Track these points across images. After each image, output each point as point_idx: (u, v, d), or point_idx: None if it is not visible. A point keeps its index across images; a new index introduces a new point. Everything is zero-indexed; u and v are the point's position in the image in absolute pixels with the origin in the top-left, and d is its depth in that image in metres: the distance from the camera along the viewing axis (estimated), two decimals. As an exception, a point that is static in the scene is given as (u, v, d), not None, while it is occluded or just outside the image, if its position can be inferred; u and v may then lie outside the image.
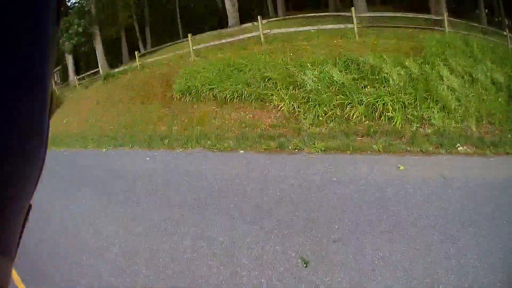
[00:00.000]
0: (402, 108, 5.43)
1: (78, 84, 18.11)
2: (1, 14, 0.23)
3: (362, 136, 5.24)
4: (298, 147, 5.11)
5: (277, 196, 3.73)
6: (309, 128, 5.69)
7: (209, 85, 7.53)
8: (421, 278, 2.29)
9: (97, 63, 18.54)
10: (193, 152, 5.83)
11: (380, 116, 5.48)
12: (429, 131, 5.12)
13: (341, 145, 4.94)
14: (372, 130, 5.28)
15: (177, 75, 8.98)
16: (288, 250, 2.76)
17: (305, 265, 2.54)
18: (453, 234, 2.69)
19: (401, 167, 4.08)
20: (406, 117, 5.35)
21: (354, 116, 5.60)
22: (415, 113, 5.33)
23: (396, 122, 5.29)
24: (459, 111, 5.41)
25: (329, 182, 3.89)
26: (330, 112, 5.78)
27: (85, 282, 2.86)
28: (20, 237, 0.31)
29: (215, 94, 7.35)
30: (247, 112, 6.71)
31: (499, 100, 5.95)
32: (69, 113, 14.26)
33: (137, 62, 12.92)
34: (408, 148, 4.68)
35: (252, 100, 6.77)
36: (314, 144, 5.04)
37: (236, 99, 6.99)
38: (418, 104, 5.43)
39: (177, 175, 4.87)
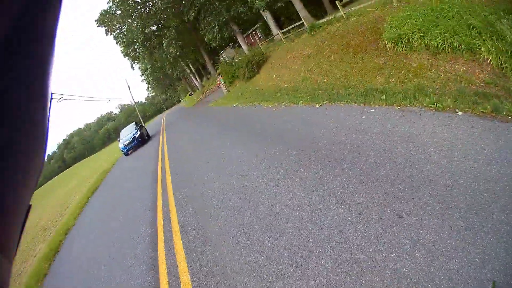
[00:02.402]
0: None
1: (284, 38, 18.66)
2: (1, 14, 0.24)
3: None
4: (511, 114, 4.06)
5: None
6: None
7: (419, 32, 6.86)
8: None
9: (298, 16, 18.96)
10: (411, 111, 5.33)
11: None
12: None
13: None
14: None
15: (385, 23, 8.45)
16: None
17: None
18: None
19: None
20: None
21: None
22: None
23: None
24: None
25: None
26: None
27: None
28: (20, 237, 0.32)
29: (427, 43, 6.61)
30: (460, 64, 5.73)
31: None
32: (278, 67, 15.15)
33: (341, 12, 12.72)
34: None
35: (462, 51, 5.77)
36: None
37: (448, 48, 6.09)
38: None
39: (404, 146, 4.24)
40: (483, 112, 4.44)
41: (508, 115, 4.14)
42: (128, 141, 21.72)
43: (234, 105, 15.75)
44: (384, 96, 6.36)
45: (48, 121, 0.32)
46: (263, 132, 7.76)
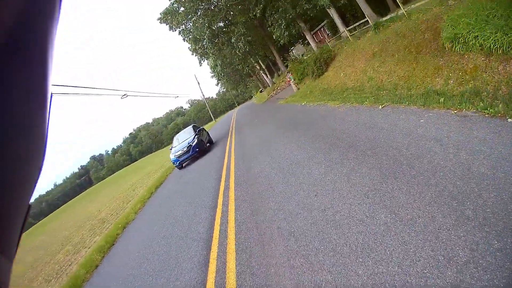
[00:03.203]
0: None
1: (350, 35, 18.74)
2: (1, 14, 0.25)
3: None
4: None
5: None
6: None
7: (473, 32, 6.96)
8: None
9: (362, 12, 18.98)
10: (466, 115, 5.49)
11: None
12: None
13: None
14: None
15: (443, 21, 8.56)
16: None
17: None
18: None
19: None
20: None
21: None
22: None
23: None
24: None
25: None
26: None
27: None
28: (20, 237, 0.32)
29: (481, 43, 6.71)
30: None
31: None
32: (345, 65, 15.31)
33: (402, 9, 12.78)
34: None
35: (514, 51, 5.78)
36: None
37: (499, 49, 6.18)
38: None
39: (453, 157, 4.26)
40: None
41: None
42: (181, 151, 16.76)
43: (303, 104, 16.30)
44: (442, 99, 6.68)
45: (48, 121, 0.33)
46: (331, 133, 8.19)
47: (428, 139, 5.26)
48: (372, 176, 4.84)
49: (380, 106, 8.37)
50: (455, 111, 5.96)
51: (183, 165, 17.04)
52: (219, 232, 5.90)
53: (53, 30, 0.31)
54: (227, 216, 6.43)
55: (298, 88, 23.65)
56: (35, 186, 0.32)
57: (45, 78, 0.31)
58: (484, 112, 5.35)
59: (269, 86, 49.14)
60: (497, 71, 6.17)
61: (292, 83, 25.22)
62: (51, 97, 0.33)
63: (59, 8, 0.32)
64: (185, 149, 16.71)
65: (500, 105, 5.24)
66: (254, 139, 13.76)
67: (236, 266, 4.41)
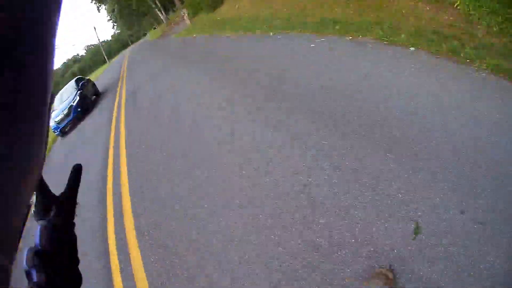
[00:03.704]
0: None
1: None
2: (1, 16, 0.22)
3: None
4: (470, 58, 3.92)
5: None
6: (483, 36, 4.32)
7: None
8: None
9: None
10: (362, 42, 5.08)
11: None
12: None
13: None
14: None
15: None
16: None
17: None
18: None
19: None
20: None
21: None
22: None
23: None
24: None
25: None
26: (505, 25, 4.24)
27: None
28: (20, 237, 0.31)
29: None
30: (425, 3, 5.37)
31: None
32: None
33: None
34: None
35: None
36: (485, 60, 3.78)
37: None
38: None
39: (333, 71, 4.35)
40: (437, 51, 4.25)
41: (467, 58, 3.97)
42: (62, 115, 13.06)
43: (194, 35, 15.68)
44: (338, 26, 5.95)
45: (48, 121, 0.31)
46: (216, 59, 7.81)
47: (315, 62, 4.87)
48: (255, 95, 4.71)
49: (271, 33, 7.71)
50: (350, 38, 5.37)
51: (66, 130, 12.99)
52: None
53: (54, 27, 0.28)
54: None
55: (192, 22, 21.99)
56: (35, 186, 0.32)
57: (45, 77, 0.28)
58: (383, 40, 4.91)
59: (163, 22, 47.14)
60: (406, 5, 5.63)
61: (186, 18, 23.22)
62: (51, 97, 0.31)
63: (60, 4, 0.29)
64: (65, 111, 12.96)
65: (403, 35, 4.82)
66: (142, 73, 12.97)
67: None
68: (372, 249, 1.97)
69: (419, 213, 2.02)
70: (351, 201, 2.31)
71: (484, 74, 3.63)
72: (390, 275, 1.99)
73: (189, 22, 22.65)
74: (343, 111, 3.42)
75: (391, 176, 2.36)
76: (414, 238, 1.92)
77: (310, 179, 2.68)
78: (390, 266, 2.00)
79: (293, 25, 7.45)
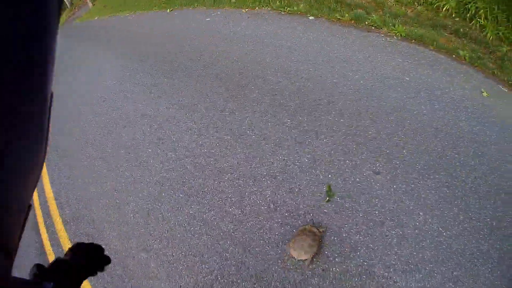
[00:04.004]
0: (494, 21, 4.14)
1: None
2: (2, 17, 0.21)
3: (450, 33, 4.06)
4: (376, 25, 4.03)
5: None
6: (393, 4, 4.45)
7: None
8: None
9: None
10: (259, 13, 4.91)
11: (472, 20, 4.18)
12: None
13: (425, 36, 3.81)
14: (461, 31, 4.06)
15: None
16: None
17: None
18: None
19: (485, 93, 3.05)
20: (498, 33, 4.05)
21: (444, 8, 4.30)
22: (507, 34, 3.99)
23: (487, 32, 4.07)
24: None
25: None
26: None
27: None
28: (20, 237, 0.30)
29: None
30: None
31: None
32: None
33: None
34: (496, 72, 3.43)
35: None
36: (394, 27, 3.92)
37: None
38: (510, 26, 4.06)
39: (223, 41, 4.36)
40: (339, 19, 4.22)
41: (371, 26, 4.02)
42: None
43: (96, 18, 14.50)
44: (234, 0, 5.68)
45: (49, 121, 0.31)
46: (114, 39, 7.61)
47: (210, 33, 4.80)
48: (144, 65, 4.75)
49: (168, 10, 7.29)
50: (246, 10, 5.19)
51: None
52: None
53: (55, 27, 0.28)
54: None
55: (94, 4, 20.21)
56: (35, 186, 0.32)
57: (45, 77, 0.29)
58: (281, 11, 4.82)
59: (68, 7, 42.71)
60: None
61: (88, 0, 21.22)
62: (51, 97, 0.31)
63: (61, 4, 0.29)
64: None
65: (302, 5, 4.73)
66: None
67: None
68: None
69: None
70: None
71: (393, 40, 3.78)
72: (316, 231, 1.99)
73: (91, 5, 20.80)
74: (239, 74, 3.56)
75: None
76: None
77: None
78: (313, 222, 2.06)
79: (190, 1, 7.05)
